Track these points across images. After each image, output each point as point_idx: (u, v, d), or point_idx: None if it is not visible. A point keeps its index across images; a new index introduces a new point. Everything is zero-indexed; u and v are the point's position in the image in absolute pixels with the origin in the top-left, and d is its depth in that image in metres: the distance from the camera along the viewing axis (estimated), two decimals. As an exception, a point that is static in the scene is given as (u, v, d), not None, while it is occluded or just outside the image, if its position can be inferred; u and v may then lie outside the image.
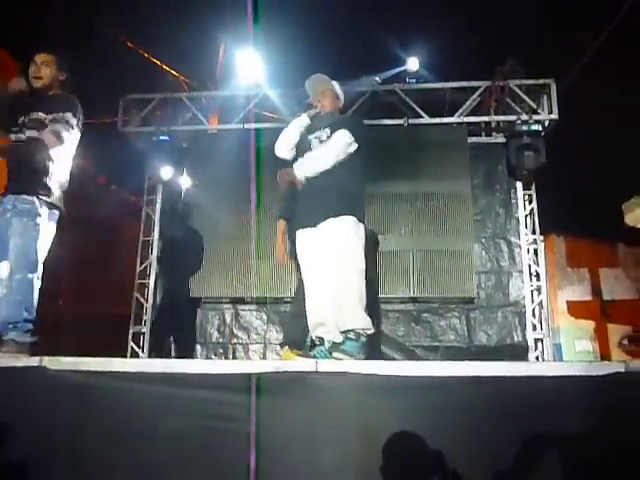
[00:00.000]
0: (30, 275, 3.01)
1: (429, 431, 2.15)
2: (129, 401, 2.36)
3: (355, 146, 3.29)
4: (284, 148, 3.53)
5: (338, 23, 6.39)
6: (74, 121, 3.19)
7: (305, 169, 3.30)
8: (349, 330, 3.07)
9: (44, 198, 3.08)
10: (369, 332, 3.12)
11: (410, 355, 5.90)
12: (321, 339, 3.23)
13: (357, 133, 3.31)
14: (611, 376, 2.16)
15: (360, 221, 3.24)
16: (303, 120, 3.49)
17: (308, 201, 3.33)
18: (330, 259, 3.15)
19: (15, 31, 6.05)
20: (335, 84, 3.61)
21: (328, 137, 3.32)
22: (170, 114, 6.77)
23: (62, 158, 3.22)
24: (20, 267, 2.99)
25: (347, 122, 3.43)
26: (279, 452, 2.22)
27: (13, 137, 3.15)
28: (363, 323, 3.09)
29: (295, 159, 3.45)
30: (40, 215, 3.05)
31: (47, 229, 3.12)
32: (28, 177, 3.07)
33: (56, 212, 3.17)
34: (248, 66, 6.62)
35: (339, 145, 3.26)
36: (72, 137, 3.23)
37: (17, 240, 2.99)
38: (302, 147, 3.46)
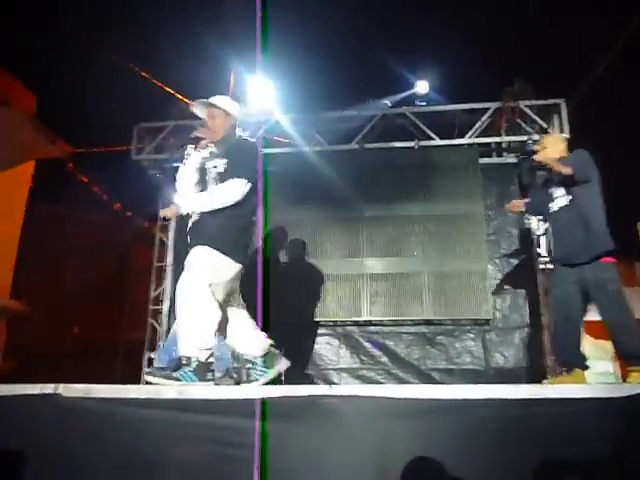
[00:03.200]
0: None
1: (447, 456, 2.10)
2: (139, 428, 2.35)
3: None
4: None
5: (347, 47, 6.45)
6: None
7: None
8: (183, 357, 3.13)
9: None
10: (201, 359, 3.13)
11: (426, 378, 5.81)
12: (188, 359, 3.18)
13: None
14: (633, 397, 2.11)
15: (216, 250, 3.33)
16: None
17: None
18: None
19: (28, 61, 6.17)
20: (221, 100, 3.47)
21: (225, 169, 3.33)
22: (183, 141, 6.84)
23: None
24: None
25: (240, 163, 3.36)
26: (291, 479, 2.18)
27: None
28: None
29: None
30: None
31: None
32: None
33: None
34: (258, 92, 6.70)
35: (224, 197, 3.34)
36: None
37: None
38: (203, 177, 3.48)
